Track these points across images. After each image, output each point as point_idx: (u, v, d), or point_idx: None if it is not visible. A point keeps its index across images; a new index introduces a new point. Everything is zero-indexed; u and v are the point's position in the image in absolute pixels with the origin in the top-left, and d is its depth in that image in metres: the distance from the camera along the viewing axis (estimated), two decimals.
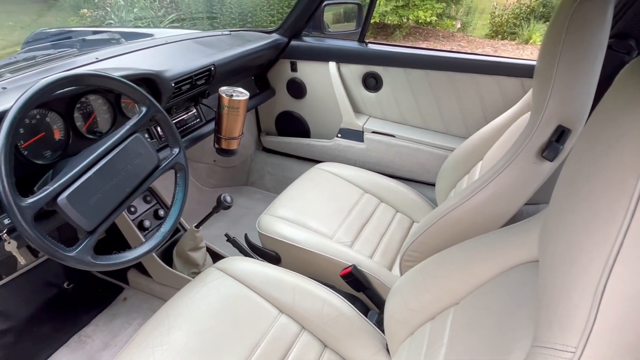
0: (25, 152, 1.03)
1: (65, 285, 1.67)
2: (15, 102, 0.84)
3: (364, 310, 1.27)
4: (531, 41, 6.76)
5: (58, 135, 1.10)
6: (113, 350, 1.45)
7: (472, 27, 7.71)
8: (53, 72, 1.17)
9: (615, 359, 0.44)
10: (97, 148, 0.98)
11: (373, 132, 1.90)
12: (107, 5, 6.63)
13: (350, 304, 1.12)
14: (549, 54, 0.88)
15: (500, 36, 7.24)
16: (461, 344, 0.73)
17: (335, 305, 1.11)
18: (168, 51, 1.52)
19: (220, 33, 1.83)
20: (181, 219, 1.54)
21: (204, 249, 1.57)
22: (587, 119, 0.72)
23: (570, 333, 0.46)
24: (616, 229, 0.45)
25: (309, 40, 1.96)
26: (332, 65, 1.88)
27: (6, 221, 0.92)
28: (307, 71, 1.97)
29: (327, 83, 1.92)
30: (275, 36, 1.91)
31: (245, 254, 1.56)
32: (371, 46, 1.84)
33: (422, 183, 1.90)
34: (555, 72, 0.86)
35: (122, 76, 1.04)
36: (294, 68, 1.99)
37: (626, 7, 1.22)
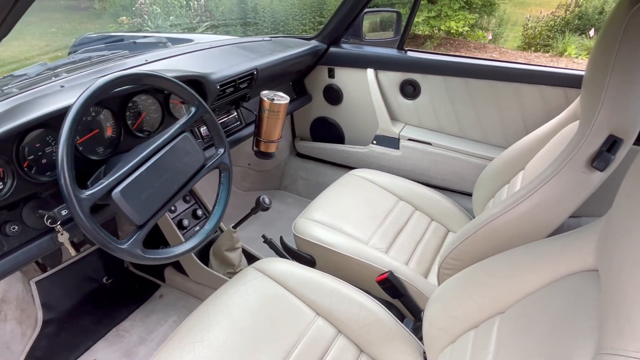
0: (81, 148, 1.07)
1: (104, 280, 1.71)
2: (78, 98, 0.88)
3: (400, 318, 1.26)
4: (566, 53, 6.63)
5: (110, 132, 1.14)
6: (149, 346, 1.48)
7: (503, 39, 7.63)
8: (107, 73, 1.23)
9: None
10: (149, 146, 1.01)
11: (409, 139, 1.89)
12: (145, 13, 6.85)
13: (387, 310, 1.12)
14: (600, 63, 0.87)
15: (533, 48, 7.13)
16: (510, 352, 0.72)
17: (372, 310, 1.10)
18: (213, 55, 1.56)
19: (261, 39, 1.87)
20: None
21: (240, 249, 1.59)
22: None
23: None
24: None
25: (348, 47, 1.98)
26: (370, 72, 1.89)
27: (63, 212, 0.96)
28: (345, 78, 1.99)
29: (364, 90, 1.93)
30: (314, 43, 1.94)
31: (281, 256, 1.57)
32: (410, 54, 1.85)
33: (458, 192, 1.88)
34: (608, 81, 0.84)
35: (173, 77, 1.08)
36: (331, 74, 2.01)
37: None
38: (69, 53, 2.03)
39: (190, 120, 1.09)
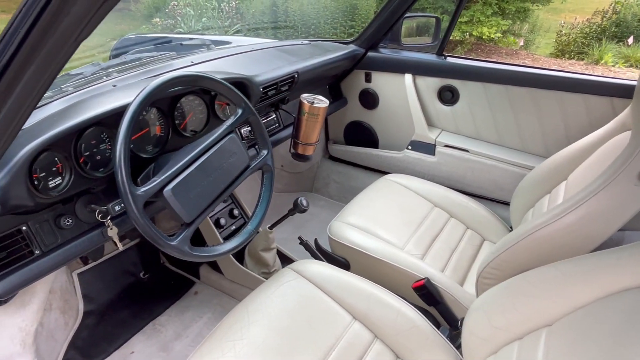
0: (132, 146, 1.10)
1: (141, 274, 1.76)
2: (136, 97, 0.92)
3: (435, 325, 1.25)
4: (602, 62, 6.45)
5: (159, 131, 1.18)
6: (185, 342, 1.51)
7: (535, 45, 7.48)
8: (155, 73, 1.26)
9: None
10: (197, 145, 1.04)
11: (445, 145, 1.88)
12: (178, 14, 6.99)
13: (425, 317, 1.11)
14: None
15: (567, 55, 6.97)
16: None
17: (409, 316, 1.10)
18: (255, 58, 1.59)
19: (300, 42, 1.89)
20: None
21: (275, 250, 1.61)
22: None
23: None
24: None
25: (386, 52, 1.98)
26: (408, 77, 1.88)
27: (117, 207, 1.00)
28: (382, 82, 1.99)
29: (401, 95, 1.92)
30: (352, 47, 1.95)
31: (316, 258, 1.58)
32: (450, 59, 1.83)
33: (494, 201, 1.86)
34: None
35: (222, 79, 1.10)
36: (368, 79, 2.02)
37: None
38: (112, 54, 2.09)
39: (237, 122, 1.11)
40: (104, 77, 1.25)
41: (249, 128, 1.48)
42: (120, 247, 1.08)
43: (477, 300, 1.00)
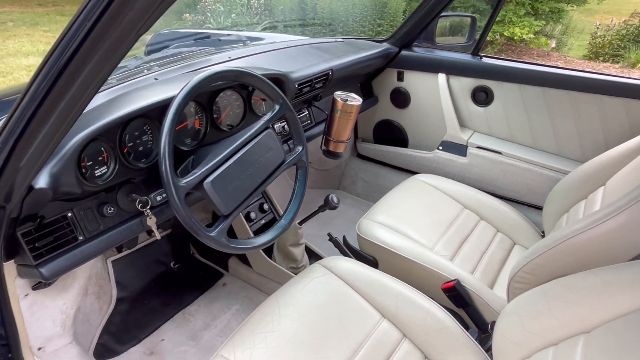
0: None
1: (172, 264, 1.80)
2: (181, 90, 0.94)
3: (464, 328, 1.25)
4: (639, 65, 6.25)
5: (198, 125, 1.20)
6: (213, 332, 1.54)
7: (567, 47, 7.29)
8: (195, 68, 1.29)
9: None
10: (236, 140, 1.06)
11: (478, 147, 1.86)
12: (208, 10, 7.07)
13: (454, 319, 1.11)
14: None
15: (601, 58, 6.77)
16: None
17: (438, 317, 1.09)
18: (290, 54, 1.60)
19: (334, 40, 1.90)
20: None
21: (303, 245, 1.63)
22: None
23: None
24: None
25: (419, 51, 1.97)
26: (441, 76, 1.87)
27: (158, 197, 1.02)
28: (414, 81, 1.98)
29: (434, 94, 1.91)
30: (386, 45, 1.94)
31: (345, 255, 1.59)
32: (486, 60, 1.81)
33: (526, 204, 1.83)
34: None
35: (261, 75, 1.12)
36: (400, 78, 2.01)
37: None
38: (147, 49, 2.13)
39: (274, 117, 1.12)
40: (145, 71, 1.29)
41: (283, 124, 1.49)
42: (158, 236, 1.11)
43: (510, 304, 0.99)
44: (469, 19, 1.97)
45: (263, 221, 1.66)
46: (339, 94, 1.54)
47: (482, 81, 1.80)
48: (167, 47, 1.57)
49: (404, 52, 1.96)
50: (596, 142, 1.63)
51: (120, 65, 1.30)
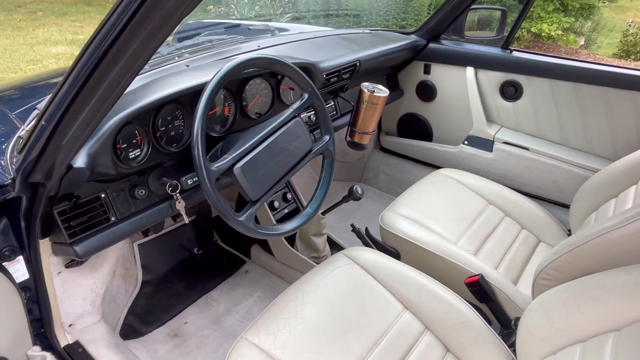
0: None
1: (195, 250, 1.83)
2: (214, 77, 0.95)
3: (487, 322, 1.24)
4: None
5: (227, 112, 1.22)
6: (235, 317, 1.56)
7: (596, 45, 7.09)
8: (225, 56, 1.30)
9: None
10: (265, 127, 1.07)
11: (504, 142, 1.83)
12: (232, 2, 7.10)
13: (477, 313, 1.10)
14: None
15: (632, 57, 6.57)
16: None
17: (461, 310, 1.09)
18: (318, 44, 1.60)
19: (361, 31, 1.89)
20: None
21: (325, 236, 1.63)
22: None
23: None
24: None
25: (447, 44, 1.95)
26: (469, 70, 1.84)
27: (189, 181, 1.04)
28: (441, 75, 1.96)
29: (461, 88, 1.89)
30: (414, 37, 1.93)
31: (367, 246, 1.59)
32: (516, 54, 1.78)
33: (552, 202, 1.80)
34: None
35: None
36: (427, 70, 1.99)
37: None
38: (176, 37, 2.16)
39: (303, 106, 1.13)
40: (176, 58, 1.31)
41: (309, 115, 1.50)
42: (187, 220, 1.13)
43: (536, 300, 0.98)
44: (498, 13, 1.94)
45: (286, 210, 1.67)
46: (366, 85, 1.54)
47: (511, 75, 1.77)
48: (197, 35, 1.60)
49: (431, 45, 1.94)
50: (629, 140, 1.59)
51: None
